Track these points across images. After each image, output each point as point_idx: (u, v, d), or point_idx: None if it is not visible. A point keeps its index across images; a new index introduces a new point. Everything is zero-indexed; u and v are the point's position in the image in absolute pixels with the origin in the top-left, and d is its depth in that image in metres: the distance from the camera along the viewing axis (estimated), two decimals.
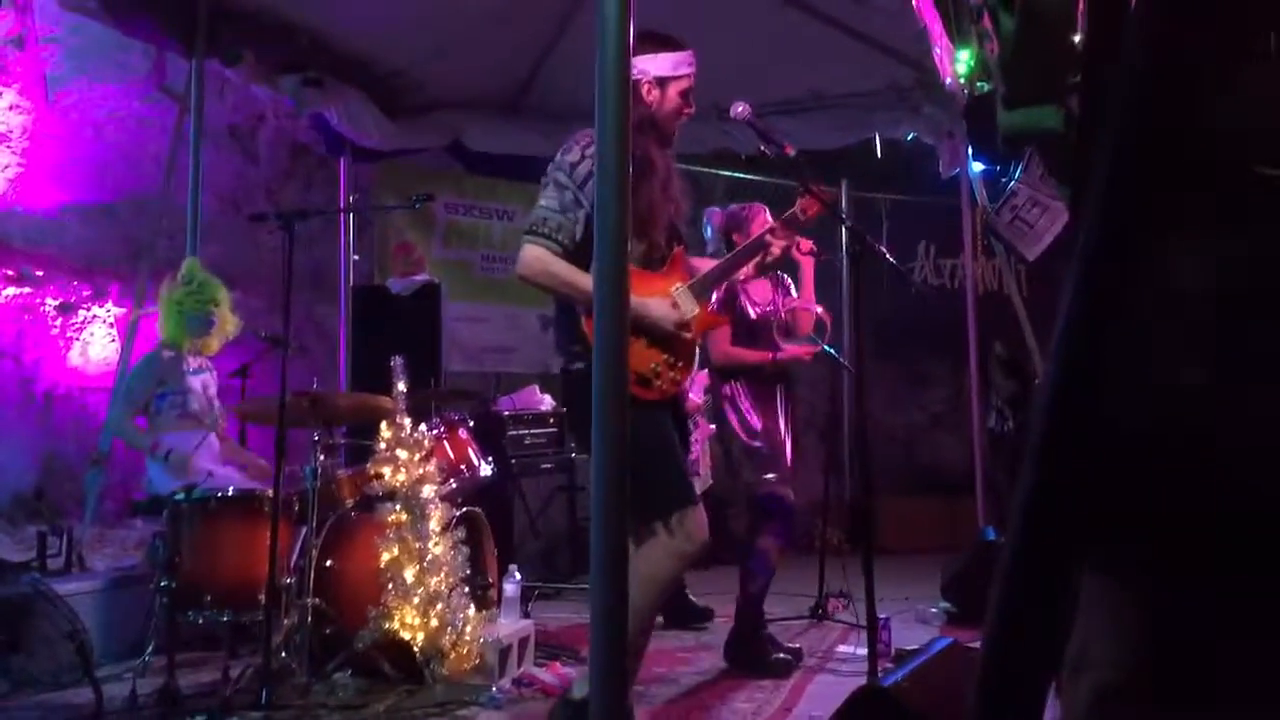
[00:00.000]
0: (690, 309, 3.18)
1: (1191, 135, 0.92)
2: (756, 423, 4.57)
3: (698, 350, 3.31)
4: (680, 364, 3.15)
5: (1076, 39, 1.02)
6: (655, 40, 3.18)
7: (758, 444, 4.55)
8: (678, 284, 3.22)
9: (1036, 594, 1.03)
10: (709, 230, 5.18)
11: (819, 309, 4.76)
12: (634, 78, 2.96)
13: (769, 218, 4.62)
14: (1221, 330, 0.97)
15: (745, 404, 4.61)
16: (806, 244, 4.61)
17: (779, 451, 4.58)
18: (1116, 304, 0.91)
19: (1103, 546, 0.97)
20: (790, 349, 4.66)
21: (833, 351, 4.96)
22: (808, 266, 4.74)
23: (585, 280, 3.02)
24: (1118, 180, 0.87)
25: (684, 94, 3.22)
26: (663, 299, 3.12)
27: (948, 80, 5.79)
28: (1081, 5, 1.00)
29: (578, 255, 3.06)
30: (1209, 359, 0.97)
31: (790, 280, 4.91)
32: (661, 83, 3.19)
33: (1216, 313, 0.97)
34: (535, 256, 3.07)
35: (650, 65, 3.15)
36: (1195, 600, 0.97)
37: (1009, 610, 1.05)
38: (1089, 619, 1.01)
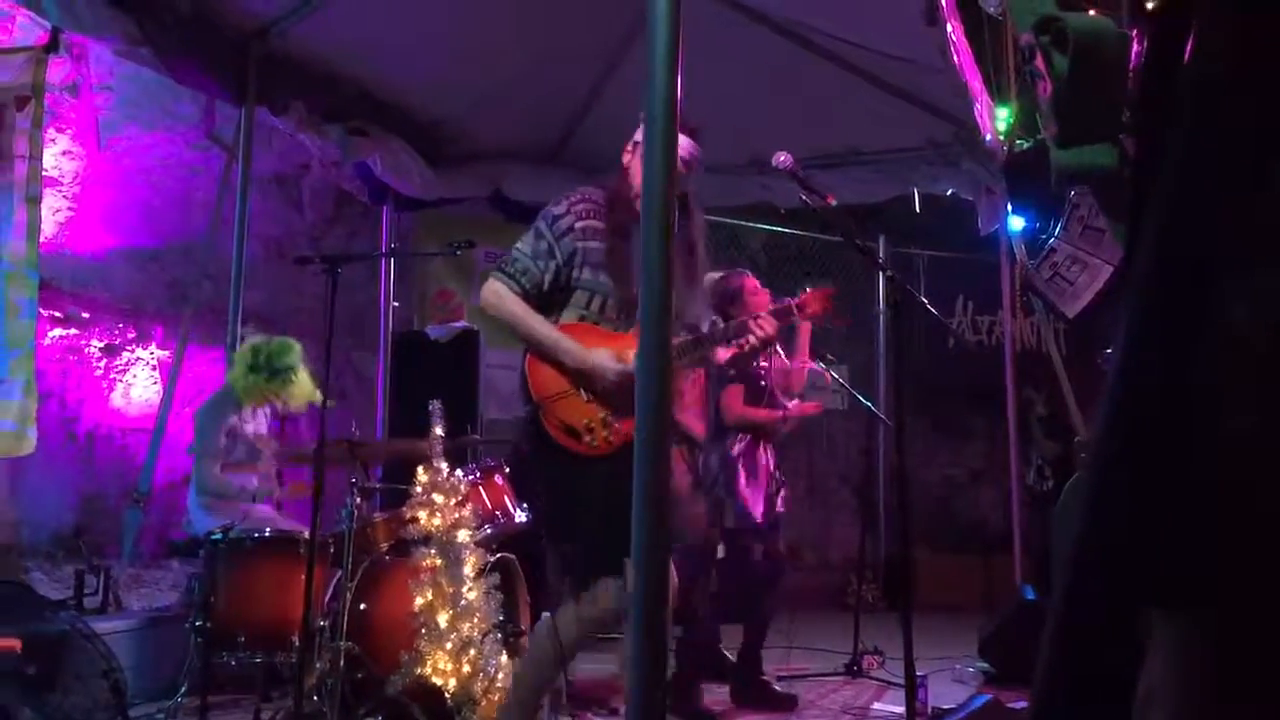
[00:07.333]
0: None
1: (1253, 170, 0.92)
2: (746, 488, 4.65)
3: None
4: (618, 424, 3.09)
5: (1130, 78, 1.02)
6: None
7: (749, 508, 4.68)
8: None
9: (1087, 651, 1.01)
10: None
11: (813, 364, 4.82)
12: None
13: (755, 283, 4.71)
14: (1269, 371, 0.96)
15: (740, 468, 4.68)
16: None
17: (765, 512, 4.73)
18: (1172, 341, 0.90)
19: (1169, 584, 0.96)
20: (796, 408, 4.72)
21: (869, 404, 4.97)
22: (805, 331, 4.82)
23: (534, 321, 3.13)
24: (1177, 220, 0.87)
25: None
26: (610, 352, 3.08)
27: (988, 137, 5.79)
28: (1136, 45, 1.01)
29: (541, 302, 3.15)
30: (1256, 401, 0.95)
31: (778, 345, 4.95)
32: (635, 147, 3.17)
33: (1268, 352, 0.96)
34: (494, 290, 3.17)
35: (637, 132, 3.13)
36: (1261, 641, 0.95)
37: (1059, 668, 1.03)
38: (1156, 658, 0.99)
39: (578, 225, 3.12)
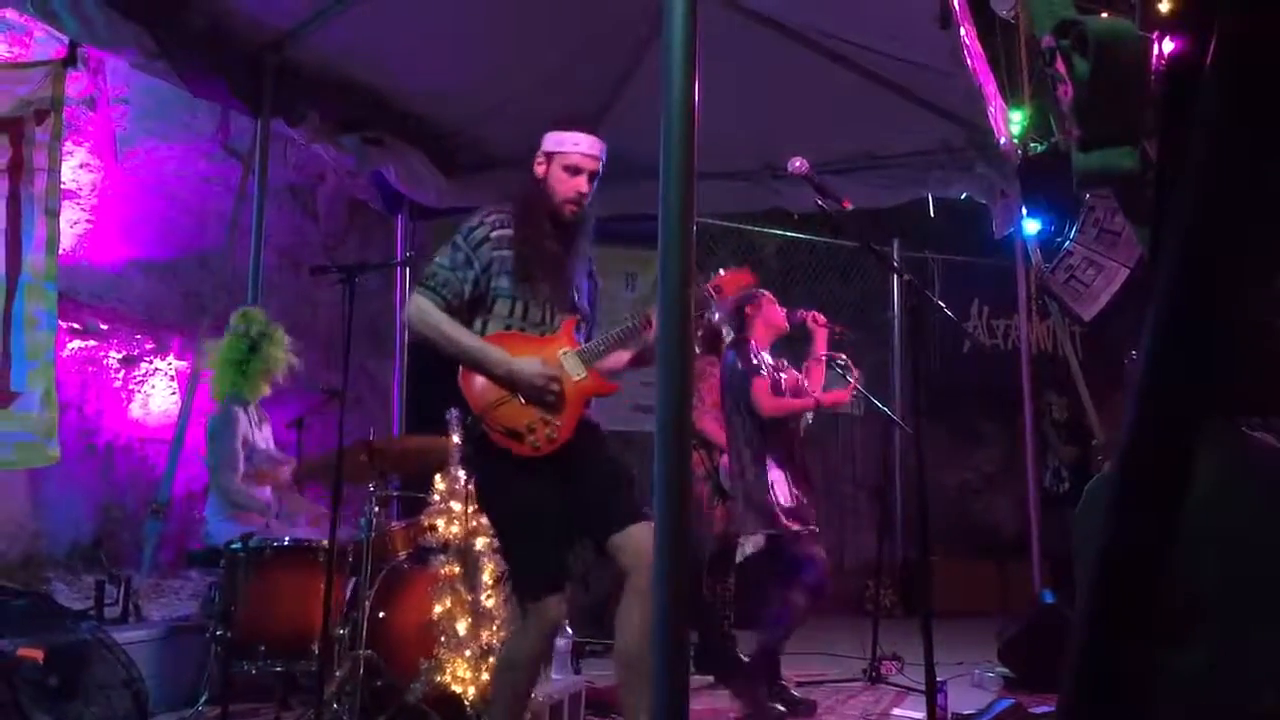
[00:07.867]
0: (577, 372, 3.20)
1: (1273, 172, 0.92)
2: (786, 492, 4.64)
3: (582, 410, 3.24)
4: (557, 422, 3.15)
5: (1151, 81, 1.03)
6: (559, 123, 3.30)
7: (792, 506, 4.69)
8: (565, 348, 3.23)
9: (1114, 651, 1.01)
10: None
11: (838, 356, 4.95)
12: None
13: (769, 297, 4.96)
14: None
15: (776, 471, 4.69)
16: (822, 318, 4.98)
17: (810, 515, 4.75)
18: (1199, 343, 0.91)
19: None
20: (827, 396, 4.80)
21: (886, 409, 4.97)
22: (821, 336, 4.96)
23: (460, 334, 3.17)
24: (1201, 221, 0.87)
25: (567, 169, 3.24)
26: (533, 358, 3.15)
27: (1002, 140, 5.79)
28: (1157, 48, 1.01)
29: (464, 312, 3.21)
30: None
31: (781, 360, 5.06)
32: (548, 157, 3.27)
33: None
34: (419, 306, 3.20)
35: (545, 142, 3.29)
36: None
37: (1086, 669, 1.03)
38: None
39: (493, 235, 3.21)
